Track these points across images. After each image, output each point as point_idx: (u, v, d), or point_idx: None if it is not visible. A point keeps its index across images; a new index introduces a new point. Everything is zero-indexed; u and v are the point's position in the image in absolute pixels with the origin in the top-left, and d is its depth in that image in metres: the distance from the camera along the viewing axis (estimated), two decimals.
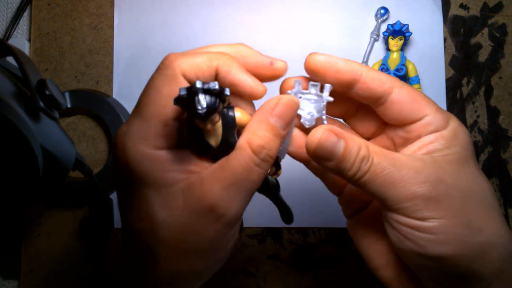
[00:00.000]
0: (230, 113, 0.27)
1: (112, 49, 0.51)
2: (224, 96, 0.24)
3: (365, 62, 0.50)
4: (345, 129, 0.34)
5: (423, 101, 0.29)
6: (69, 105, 0.48)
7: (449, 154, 0.29)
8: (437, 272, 0.29)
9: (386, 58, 0.49)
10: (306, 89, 0.30)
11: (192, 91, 0.23)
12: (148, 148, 0.27)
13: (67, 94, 0.48)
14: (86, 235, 0.50)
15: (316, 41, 0.51)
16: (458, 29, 0.50)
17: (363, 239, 0.34)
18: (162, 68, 0.27)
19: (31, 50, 0.51)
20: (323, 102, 0.30)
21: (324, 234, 0.50)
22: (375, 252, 0.33)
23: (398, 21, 0.48)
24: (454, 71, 0.50)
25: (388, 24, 0.49)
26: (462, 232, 0.27)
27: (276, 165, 0.31)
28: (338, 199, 0.35)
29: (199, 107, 0.22)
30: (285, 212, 0.33)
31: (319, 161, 0.29)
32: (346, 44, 0.50)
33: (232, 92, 0.27)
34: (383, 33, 0.49)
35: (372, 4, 0.50)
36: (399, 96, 0.29)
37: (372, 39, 0.50)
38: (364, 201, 0.34)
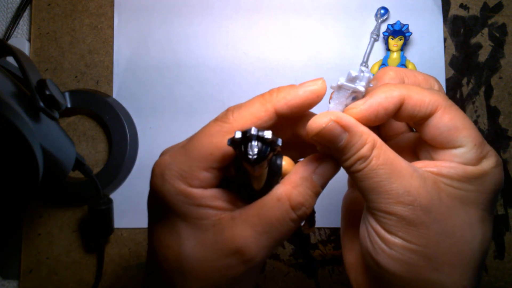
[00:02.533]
0: (278, 162, 0.27)
1: (112, 49, 0.51)
2: (275, 145, 0.24)
3: (365, 62, 0.50)
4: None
5: (463, 132, 0.28)
6: (69, 105, 0.48)
7: (457, 188, 0.28)
8: (379, 281, 0.29)
9: (386, 58, 0.49)
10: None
11: (246, 137, 0.23)
12: (183, 185, 0.27)
13: (67, 94, 0.48)
14: (86, 235, 0.50)
15: (317, 41, 0.51)
16: (458, 29, 0.50)
17: (346, 223, 0.34)
18: (221, 119, 0.28)
19: (31, 50, 0.51)
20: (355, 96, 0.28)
21: (324, 234, 0.49)
22: (352, 248, 0.33)
23: (398, 21, 0.48)
24: (454, 71, 0.50)
25: (388, 24, 0.49)
26: (419, 262, 0.27)
27: (310, 220, 0.31)
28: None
29: (251, 153, 0.23)
30: (308, 265, 0.34)
31: (316, 144, 0.28)
32: (346, 44, 0.50)
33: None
34: (383, 33, 0.49)
35: (372, 4, 0.50)
36: (438, 122, 0.28)
37: (372, 39, 0.50)
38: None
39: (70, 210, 0.50)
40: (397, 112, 0.28)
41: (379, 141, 0.28)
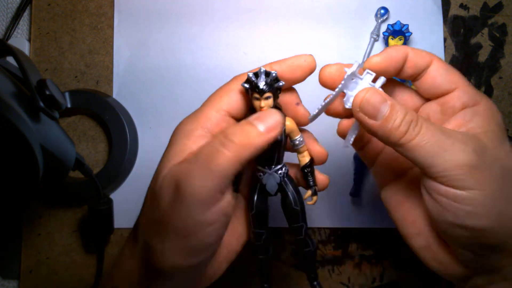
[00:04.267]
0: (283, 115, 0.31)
1: (112, 49, 0.51)
2: (279, 82, 0.31)
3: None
4: None
5: (456, 74, 0.31)
6: (69, 105, 0.48)
7: (488, 131, 0.30)
8: (472, 242, 0.29)
9: None
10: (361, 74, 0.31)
11: (256, 73, 0.30)
12: (189, 125, 0.31)
13: (67, 94, 0.48)
14: (86, 235, 0.50)
15: (317, 41, 0.50)
16: (458, 29, 0.50)
17: (397, 208, 0.34)
18: (228, 81, 0.33)
19: (31, 50, 0.51)
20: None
21: (324, 234, 0.49)
22: (408, 221, 0.34)
23: (398, 21, 0.48)
24: None
25: (388, 24, 0.49)
26: (501, 206, 0.28)
27: (313, 191, 0.34)
28: (372, 170, 0.37)
29: (261, 82, 0.30)
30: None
31: (364, 120, 0.29)
32: (346, 44, 0.50)
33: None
34: (383, 33, 0.49)
35: (372, 4, 0.50)
36: (436, 68, 0.31)
37: (372, 39, 0.50)
38: (398, 172, 0.35)
39: (70, 210, 0.50)
40: (404, 65, 0.31)
41: (413, 111, 0.29)
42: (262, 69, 0.31)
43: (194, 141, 0.30)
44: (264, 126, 0.28)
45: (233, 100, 0.31)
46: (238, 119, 0.32)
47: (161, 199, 0.28)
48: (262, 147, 0.28)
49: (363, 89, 0.30)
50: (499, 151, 0.29)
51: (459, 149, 0.27)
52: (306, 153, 0.33)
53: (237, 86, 0.31)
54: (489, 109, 0.31)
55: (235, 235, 0.35)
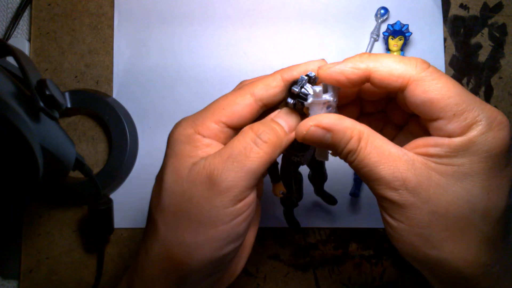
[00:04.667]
0: None
1: (112, 49, 0.51)
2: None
3: None
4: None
5: (439, 104, 0.27)
6: (69, 105, 0.48)
7: (447, 164, 0.27)
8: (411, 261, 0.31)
9: None
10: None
11: (296, 81, 0.31)
12: (191, 130, 0.31)
13: (67, 94, 0.48)
14: (86, 235, 0.50)
15: (317, 41, 0.50)
16: (458, 29, 0.50)
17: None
18: (235, 88, 0.33)
19: (31, 50, 0.51)
20: (326, 101, 0.31)
21: (324, 234, 0.49)
22: None
23: (398, 21, 0.48)
24: (454, 71, 0.50)
25: (388, 24, 0.49)
26: (417, 242, 0.28)
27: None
28: None
29: (306, 92, 0.31)
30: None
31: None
32: (346, 44, 0.50)
33: None
34: (383, 33, 0.49)
35: (372, 4, 0.50)
36: (411, 96, 0.28)
37: (372, 39, 0.50)
38: None
39: (70, 210, 0.50)
40: (370, 82, 0.29)
41: (365, 131, 0.29)
42: (303, 77, 0.31)
43: (194, 145, 0.31)
44: (287, 125, 0.31)
45: (236, 114, 0.31)
46: (238, 129, 0.32)
47: (194, 192, 0.29)
48: (286, 147, 0.31)
49: (305, 120, 0.30)
50: (445, 189, 0.27)
51: (385, 183, 0.28)
52: None
53: (244, 99, 0.31)
54: (468, 140, 0.27)
55: (252, 230, 0.37)
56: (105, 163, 0.49)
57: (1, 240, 0.51)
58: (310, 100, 0.30)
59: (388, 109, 0.35)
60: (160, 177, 0.31)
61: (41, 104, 0.31)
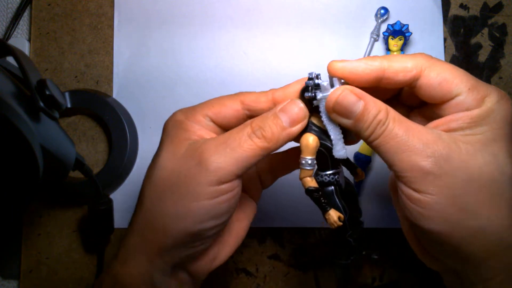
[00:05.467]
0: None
1: (112, 49, 0.51)
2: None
3: None
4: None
5: (454, 81, 0.29)
6: (69, 105, 0.48)
7: (471, 134, 0.29)
8: (429, 243, 0.31)
9: None
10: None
11: (311, 78, 0.31)
12: (183, 117, 0.33)
13: (67, 94, 0.48)
14: (86, 235, 0.50)
15: (317, 41, 0.50)
16: (458, 29, 0.50)
17: (393, 192, 0.36)
18: (231, 94, 0.34)
19: (31, 50, 0.51)
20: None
21: (324, 234, 0.49)
22: (401, 215, 0.35)
23: (398, 21, 0.48)
24: None
25: (388, 24, 0.49)
26: (454, 213, 0.28)
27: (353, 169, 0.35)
28: None
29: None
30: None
31: (338, 120, 0.30)
32: (346, 44, 0.50)
33: None
34: (383, 33, 0.49)
35: (372, 4, 0.50)
36: (427, 80, 0.30)
37: (372, 39, 0.50)
38: None
39: (70, 210, 0.50)
40: (384, 80, 0.31)
41: (391, 109, 0.30)
42: (314, 75, 0.31)
43: (187, 129, 0.33)
44: (289, 118, 0.31)
45: (222, 113, 0.33)
46: (224, 128, 0.34)
47: (184, 168, 0.31)
48: (287, 141, 0.31)
49: (336, 88, 0.30)
50: (473, 156, 0.28)
51: (416, 152, 0.28)
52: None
53: (233, 103, 0.33)
54: (485, 110, 0.29)
55: (242, 223, 0.38)
56: (105, 163, 0.49)
57: (1, 240, 0.51)
58: (319, 96, 0.31)
59: (401, 98, 0.36)
60: (155, 158, 0.33)
61: (41, 104, 0.31)
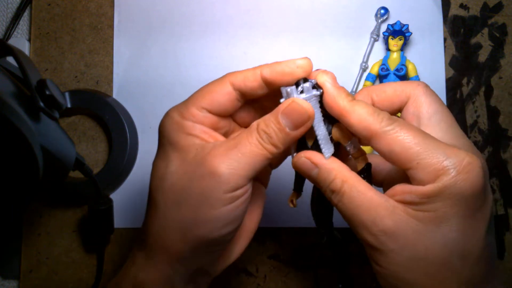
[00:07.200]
0: (329, 128, 0.32)
1: (112, 49, 0.51)
2: (317, 91, 0.31)
3: (365, 62, 0.50)
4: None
5: (401, 155, 0.28)
6: (69, 105, 0.48)
7: (423, 210, 0.28)
8: None
9: (386, 58, 0.49)
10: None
11: (297, 84, 0.31)
12: (179, 117, 0.32)
13: (67, 94, 0.48)
14: (86, 235, 0.50)
15: (316, 41, 0.50)
16: (458, 29, 0.50)
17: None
18: (219, 79, 0.33)
19: (31, 50, 0.51)
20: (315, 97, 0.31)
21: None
22: None
23: (398, 21, 0.48)
24: (454, 71, 0.50)
25: (388, 24, 0.49)
26: (400, 285, 0.29)
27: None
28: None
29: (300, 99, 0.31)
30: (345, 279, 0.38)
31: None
32: (346, 44, 0.50)
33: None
34: (383, 33, 0.49)
35: (372, 4, 0.50)
36: (377, 149, 0.30)
37: (372, 39, 0.50)
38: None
39: (70, 210, 0.50)
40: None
41: (351, 177, 0.30)
42: (301, 83, 0.31)
43: (188, 132, 0.32)
44: (291, 123, 0.31)
45: (215, 101, 0.32)
46: (222, 115, 0.34)
47: (196, 175, 0.31)
48: (292, 143, 0.31)
49: (299, 153, 0.32)
50: (421, 235, 0.28)
51: (365, 227, 0.29)
52: (360, 159, 0.33)
53: (223, 88, 0.32)
54: (439, 188, 0.27)
55: (255, 215, 0.38)
56: (105, 163, 0.49)
57: (1, 240, 0.51)
58: (295, 95, 0.31)
59: None
60: (161, 163, 0.33)
61: (41, 104, 0.31)
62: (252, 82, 0.32)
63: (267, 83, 0.32)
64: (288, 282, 0.49)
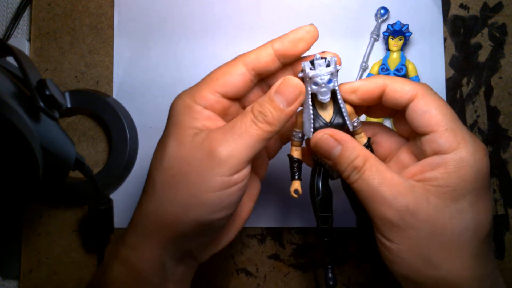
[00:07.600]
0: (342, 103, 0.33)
1: (112, 49, 0.51)
2: (337, 67, 0.33)
3: (365, 62, 0.50)
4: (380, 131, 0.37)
5: (436, 116, 0.31)
6: (69, 105, 0.48)
7: (443, 186, 0.30)
8: (401, 281, 0.32)
9: (386, 58, 0.49)
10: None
11: (313, 61, 0.32)
12: (190, 100, 0.33)
13: (67, 94, 0.48)
14: (86, 235, 0.50)
15: (317, 41, 0.50)
16: (458, 29, 0.50)
17: None
18: (231, 61, 0.34)
19: (31, 50, 0.51)
20: (332, 74, 0.32)
21: None
22: None
23: (398, 21, 0.48)
24: (454, 71, 0.50)
25: (388, 24, 0.49)
26: (417, 263, 0.30)
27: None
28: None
29: (322, 74, 0.32)
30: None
31: (321, 157, 0.33)
32: (346, 44, 0.50)
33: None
34: (383, 33, 0.49)
35: (372, 4, 0.50)
36: (415, 106, 0.32)
37: (372, 39, 0.50)
38: None
39: (70, 210, 0.50)
40: (383, 96, 0.33)
41: (371, 156, 0.32)
42: (318, 56, 0.32)
43: (194, 116, 0.32)
44: (285, 100, 0.31)
45: (229, 84, 0.33)
46: (236, 99, 0.34)
47: (194, 157, 0.31)
48: (290, 119, 0.32)
49: (318, 131, 0.33)
50: (441, 211, 0.30)
51: (386, 204, 0.30)
52: (363, 134, 0.35)
53: (237, 69, 0.33)
54: (458, 161, 0.30)
55: (247, 205, 0.38)
56: (105, 163, 0.49)
57: (1, 240, 0.51)
58: (310, 74, 0.32)
59: (395, 124, 0.37)
60: (162, 143, 0.33)
61: (41, 104, 0.31)
62: (265, 57, 0.32)
63: (279, 55, 0.32)
64: (288, 282, 0.49)
